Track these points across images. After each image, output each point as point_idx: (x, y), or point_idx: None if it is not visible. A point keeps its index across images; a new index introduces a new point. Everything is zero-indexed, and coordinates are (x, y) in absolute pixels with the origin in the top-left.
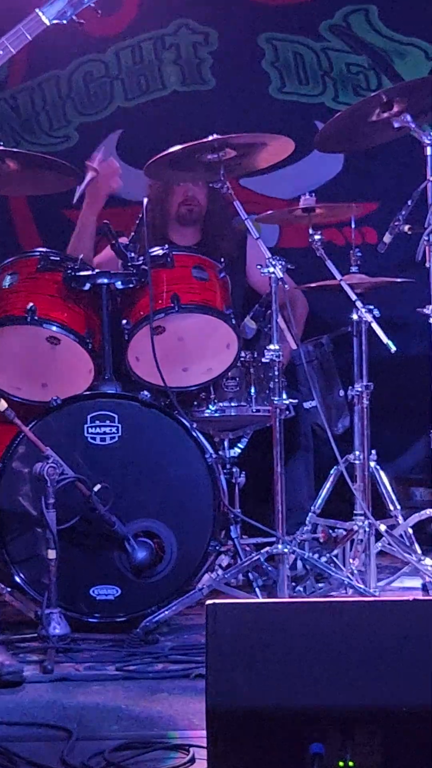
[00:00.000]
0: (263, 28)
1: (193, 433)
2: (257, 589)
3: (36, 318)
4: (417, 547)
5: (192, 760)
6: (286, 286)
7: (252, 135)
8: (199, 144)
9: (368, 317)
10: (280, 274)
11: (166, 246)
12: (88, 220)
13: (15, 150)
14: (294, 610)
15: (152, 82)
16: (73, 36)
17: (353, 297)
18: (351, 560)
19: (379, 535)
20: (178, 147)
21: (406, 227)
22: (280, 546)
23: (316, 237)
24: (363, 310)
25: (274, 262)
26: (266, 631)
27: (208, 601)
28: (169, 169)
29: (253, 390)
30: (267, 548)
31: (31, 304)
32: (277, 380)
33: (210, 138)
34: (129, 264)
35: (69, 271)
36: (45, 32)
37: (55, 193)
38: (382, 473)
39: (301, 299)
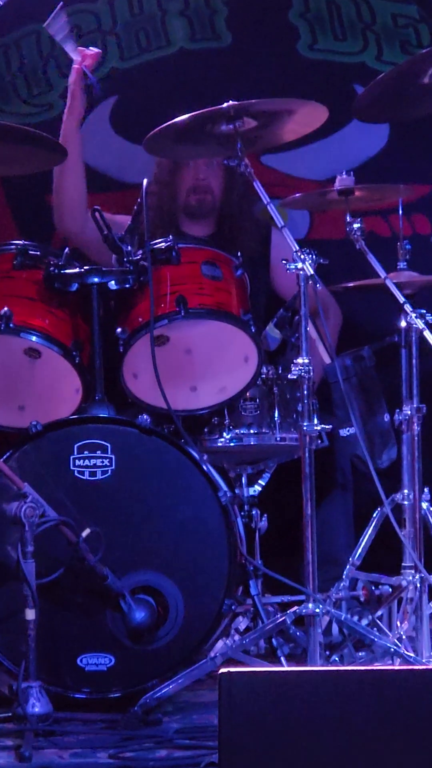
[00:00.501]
0: None
1: (204, 467)
2: (282, 659)
3: (11, 326)
4: None
5: None
6: (318, 285)
7: (276, 101)
8: (212, 112)
9: (419, 324)
10: (310, 271)
11: (170, 237)
12: (70, 130)
13: None
14: (327, 682)
15: (154, 38)
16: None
17: (401, 299)
18: (398, 623)
19: None
20: (185, 116)
21: None
22: (310, 606)
23: (356, 226)
24: (413, 314)
25: (303, 257)
26: (292, 708)
27: (222, 670)
28: (175, 143)
29: (276, 414)
30: (295, 608)
31: (5, 308)
32: (306, 402)
33: (225, 105)
34: (125, 259)
35: (52, 269)
36: None
37: (35, 174)
38: None
39: (334, 305)
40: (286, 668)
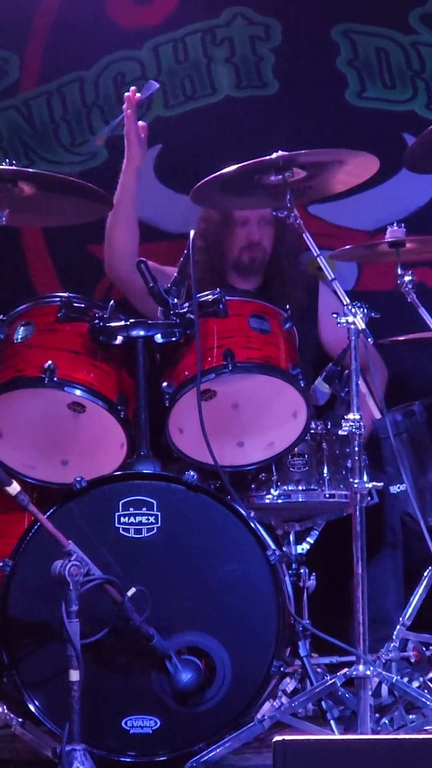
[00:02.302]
0: (338, 18)
1: (252, 525)
2: (332, 722)
3: (55, 379)
4: None
5: None
6: (369, 340)
7: (327, 151)
8: (260, 163)
9: None
10: (361, 325)
11: (218, 290)
12: (128, 178)
13: (29, 170)
14: (382, 751)
15: (200, 86)
16: (100, 28)
17: None
18: None
19: None
20: (233, 167)
21: None
22: (361, 667)
23: (407, 278)
24: None
25: (354, 310)
26: None
27: (276, 738)
28: (222, 194)
29: (326, 470)
30: (345, 670)
31: (49, 362)
32: (357, 458)
33: (273, 155)
34: (171, 312)
35: (96, 321)
36: (66, 24)
37: (78, 225)
38: None
39: (379, 360)
40: (341, 736)
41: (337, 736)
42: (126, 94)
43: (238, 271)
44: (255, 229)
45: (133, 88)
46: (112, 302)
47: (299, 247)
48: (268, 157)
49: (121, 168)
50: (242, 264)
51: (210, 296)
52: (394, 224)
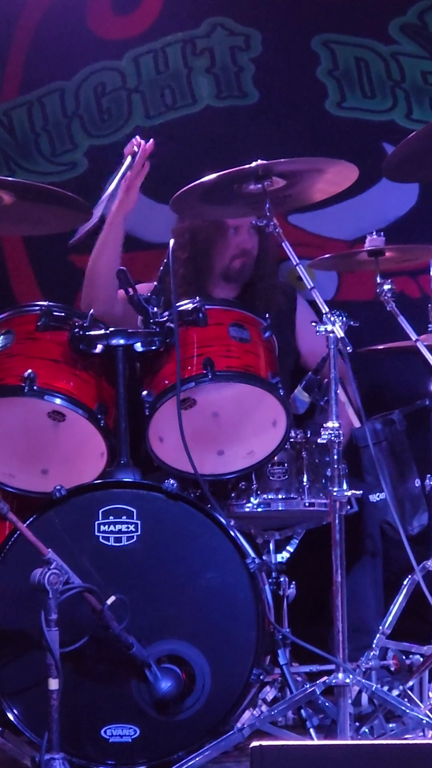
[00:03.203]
0: (318, 28)
1: (231, 533)
2: (312, 731)
3: (35, 388)
4: None
5: None
6: (348, 348)
7: (306, 160)
8: (239, 171)
9: None
10: (340, 333)
11: (197, 298)
12: (116, 222)
13: (8, 179)
14: (359, 756)
15: (180, 96)
16: (81, 38)
17: None
18: (430, 694)
19: None
20: (213, 176)
21: None
22: (340, 675)
23: (386, 287)
24: None
25: (333, 318)
26: None
27: (253, 743)
28: (202, 203)
29: (305, 479)
30: (324, 678)
31: (29, 371)
32: (336, 466)
33: (253, 164)
34: (151, 321)
35: (76, 330)
36: (47, 34)
37: (59, 234)
38: None
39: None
40: (318, 742)
41: (315, 742)
42: (142, 143)
43: (227, 279)
44: (246, 236)
45: (150, 142)
46: (92, 311)
47: (278, 256)
48: (247, 166)
49: (102, 180)
50: (233, 271)
51: (190, 305)
52: (374, 233)
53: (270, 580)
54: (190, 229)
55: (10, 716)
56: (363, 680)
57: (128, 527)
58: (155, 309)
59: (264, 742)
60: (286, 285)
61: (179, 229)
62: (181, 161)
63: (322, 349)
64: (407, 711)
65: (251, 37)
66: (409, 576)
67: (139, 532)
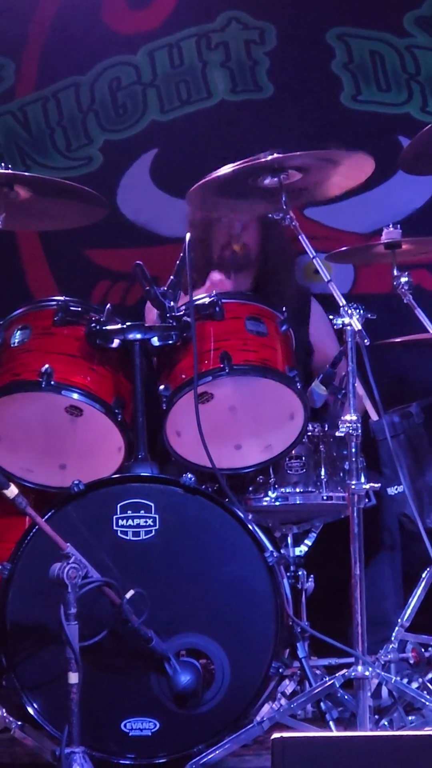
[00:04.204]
0: (333, 21)
1: (249, 527)
2: (331, 723)
3: (52, 383)
4: None
5: None
6: (366, 341)
7: (321, 152)
8: (255, 165)
9: None
10: (358, 326)
11: (214, 292)
12: None
13: (25, 174)
14: (381, 747)
15: (195, 90)
16: (96, 34)
17: None
18: None
19: None
20: (228, 169)
21: None
22: (360, 668)
23: (403, 280)
24: None
25: (350, 311)
26: None
27: (275, 735)
28: (218, 197)
29: (323, 472)
30: (343, 671)
31: (46, 366)
32: (354, 459)
33: (268, 158)
34: (168, 315)
35: (93, 325)
36: (62, 30)
37: (75, 229)
38: None
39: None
40: (339, 734)
41: (336, 733)
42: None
43: (223, 269)
44: (235, 224)
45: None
46: (108, 306)
47: (292, 250)
48: (263, 159)
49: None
50: (225, 260)
51: (206, 299)
52: (390, 226)
53: (288, 574)
54: (189, 221)
55: (31, 710)
56: (382, 673)
57: (146, 521)
58: (172, 303)
59: (287, 734)
60: (299, 286)
61: (190, 221)
62: (197, 156)
63: (333, 350)
64: (427, 703)
65: (266, 30)
66: (428, 568)
67: (157, 527)
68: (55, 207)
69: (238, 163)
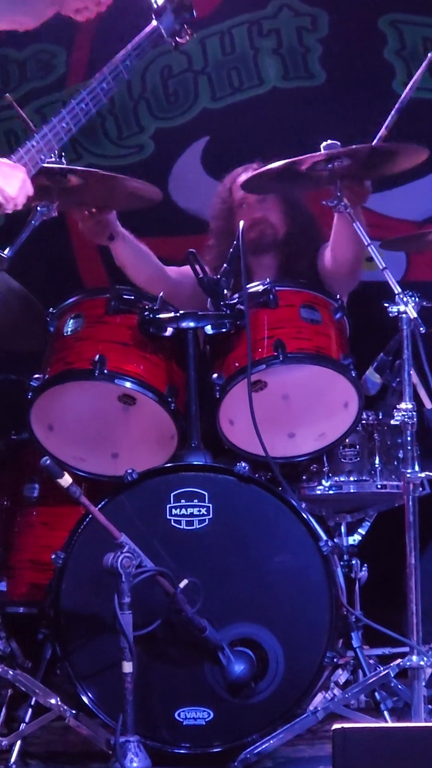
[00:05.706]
0: (385, 8)
1: (304, 516)
2: (386, 713)
3: (105, 372)
4: None
5: None
6: (422, 329)
7: (375, 146)
8: (309, 158)
9: None
10: (413, 314)
11: (268, 280)
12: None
13: (79, 168)
14: None
15: (246, 78)
16: (147, 21)
17: None
18: None
19: None
20: (281, 162)
21: None
22: (414, 658)
23: None
24: None
25: (405, 299)
26: (407, 765)
27: (335, 725)
28: (273, 183)
29: (377, 461)
30: (398, 661)
31: (99, 354)
32: (409, 448)
33: (323, 151)
34: (221, 303)
35: (146, 313)
36: (112, 17)
37: (126, 217)
38: None
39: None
40: (400, 724)
41: (397, 724)
42: None
43: (251, 251)
44: (255, 206)
45: None
46: (161, 294)
47: (320, 235)
48: (317, 154)
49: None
50: (252, 241)
51: (260, 287)
52: None
53: (342, 563)
54: (212, 217)
55: (85, 699)
56: None
57: (200, 510)
58: (226, 291)
59: (348, 725)
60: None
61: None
62: (248, 143)
63: None
64: None
65: (318, 17)
66: None
67: (210, 516)
68: (105, 193)
69: (301, 156)
